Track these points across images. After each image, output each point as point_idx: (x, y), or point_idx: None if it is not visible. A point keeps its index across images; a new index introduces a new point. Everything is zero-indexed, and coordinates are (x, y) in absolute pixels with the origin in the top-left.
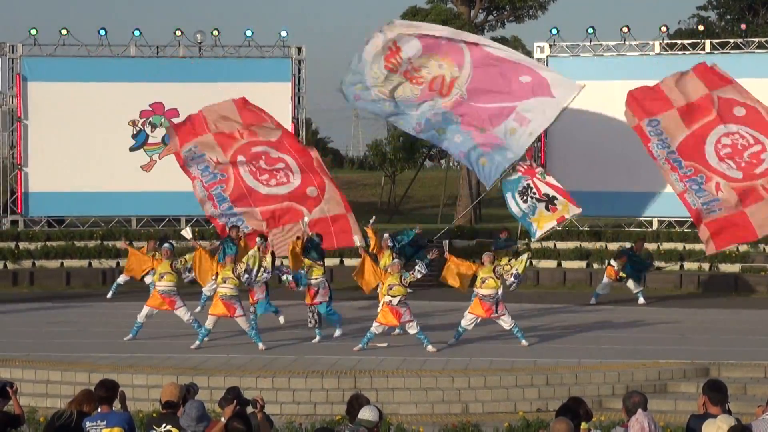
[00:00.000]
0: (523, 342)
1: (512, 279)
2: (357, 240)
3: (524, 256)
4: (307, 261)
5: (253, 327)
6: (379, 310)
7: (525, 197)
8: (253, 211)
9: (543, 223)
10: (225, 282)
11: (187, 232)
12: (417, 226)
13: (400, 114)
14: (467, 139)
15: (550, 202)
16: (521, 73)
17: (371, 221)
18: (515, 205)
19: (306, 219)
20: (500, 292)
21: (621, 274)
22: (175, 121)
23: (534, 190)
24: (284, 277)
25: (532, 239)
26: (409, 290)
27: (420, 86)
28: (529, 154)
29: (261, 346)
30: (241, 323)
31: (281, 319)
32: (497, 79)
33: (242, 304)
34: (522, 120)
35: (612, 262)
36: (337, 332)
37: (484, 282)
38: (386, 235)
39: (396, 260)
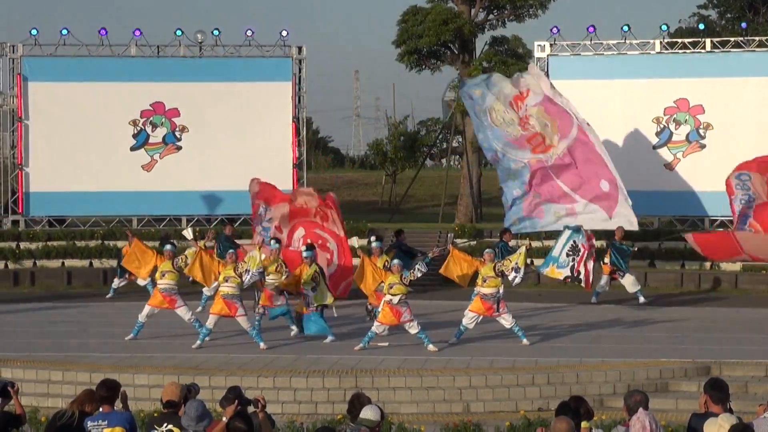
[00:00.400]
0: (524, 341)
1: (513, 273)
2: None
3: (521, 249)
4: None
5: (254, 327)
6: (379, 309)
7: (570, 253)
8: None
9: (554, 272)
10: (227, 281)
11: (188, 233)
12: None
13: (493, 139)
14: (520, 199)
15: (575, 278)
16: (604, 177)
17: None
18: (560, 246)
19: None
20: (501, 290)
21: (610, 266)
22: None
23: (578, 259)
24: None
25: (540, 270)
26: (409, 289)
27: (524, 131)
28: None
29: (262, 345)
30: (242, 322)
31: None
32: (583, 169)
33: (243, 303)
34: (572, 212)
35: (606, 259)
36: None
37: (485, 281)
38: (395, 262)
39: (396, 261)
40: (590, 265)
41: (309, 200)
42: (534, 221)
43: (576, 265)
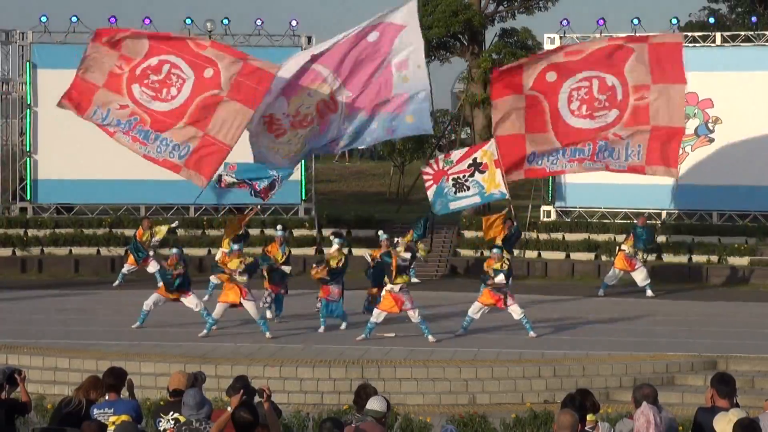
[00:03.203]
0: (531, 333)
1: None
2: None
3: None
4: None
5: (261, 315)
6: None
7: (461, 187)
8: (177, 127)
9: (495, 181)
10: (240, 274)
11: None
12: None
13: (316, 148)
14: (382, 119)
15: (476, 168)
16: (367, 36)
17: (381, 237)
18: (467, 200)
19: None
20: (510, 283)
21: (639, 256)
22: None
23: (458, 178)
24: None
25: (507, 198)
26: (415, 280)
27: (312, 124)
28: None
29: (268, 334)
30: (250, 309)
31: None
32: (358, 58)
33: (251, 291)
34: (402, 64)
35: (623, 246)
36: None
37: (495, 275)
38: (382, 233)
39: (383, 235)
40: (458, 154)
41: (98, 68)
42: (414, 99)
43: (466, 175)
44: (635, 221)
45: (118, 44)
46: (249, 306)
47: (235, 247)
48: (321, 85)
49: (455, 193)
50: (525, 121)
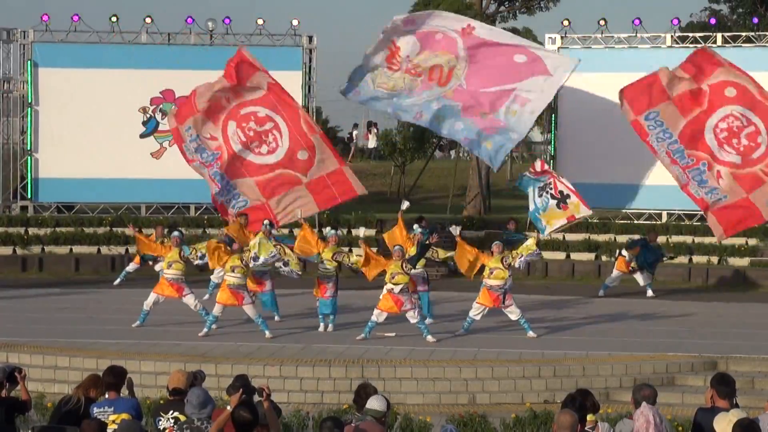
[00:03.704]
0: (530, 333)
1: (520, 263)
2: (360, 190)
3: (530, 242)
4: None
5: (260, 315)
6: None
7: (542, 192)
8: (247, 182)
9: (553, 220)
10: (233, 271)
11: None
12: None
13: (400, 106)
14: (469, 126)
15: (562, 200)
16: (516, 53)
17: (403, 206)
18: (532, 200)
19: (299, 212)
20: (509, 283)
21: (633, 265)
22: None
23: (552, 187)
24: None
25: (542, 235)
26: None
27: (419, 77)
28: (543, 162)
29: (268, 334)
30: (249, 311)
31: (277, 318)
32: (493, 63)
33: (249, 292)
34: (522, 100)
35: (624, 252)
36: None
37: (492, 273)
38: (396, 248)
39: (397, 247)
40: (567, 183)
41: (208, 96)
42: (504, 132)
43: (554, 192)
44: (647, 236)
45: (241, 81)
46: (248, 308)
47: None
48: (449, 56)
49: (540, 190)
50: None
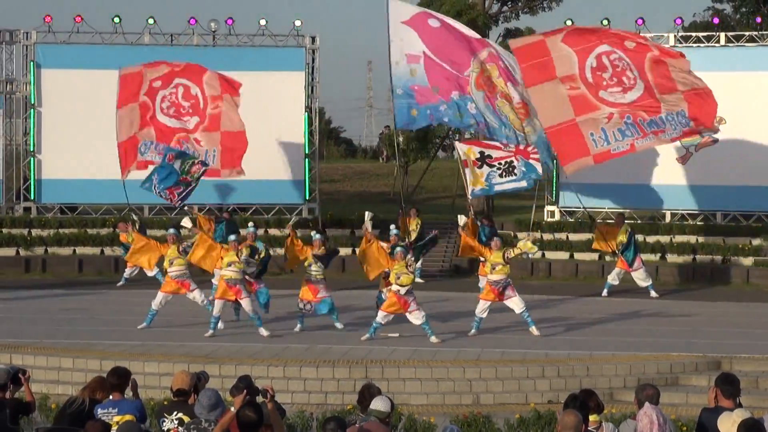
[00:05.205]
0: (533, 328)
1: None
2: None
3: (530, 243)
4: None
5: (257, 312)
6: (384, 297)
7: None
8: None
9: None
10: (230, 266)
11: (186, 222)
12: (434, 231)
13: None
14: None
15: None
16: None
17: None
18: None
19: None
20: (509, 279)
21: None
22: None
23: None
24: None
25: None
26: (420, 280)
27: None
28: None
29: (263, 331)
30: (246, 306)
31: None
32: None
33: (247, 289)
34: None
35: (624, 252)
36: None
37: (494, 268)
38: (398, 249)
39: (399, 248)
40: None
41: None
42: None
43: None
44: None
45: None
46: (245, 302)
47: (232, 237)
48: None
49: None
50: (571, 105)
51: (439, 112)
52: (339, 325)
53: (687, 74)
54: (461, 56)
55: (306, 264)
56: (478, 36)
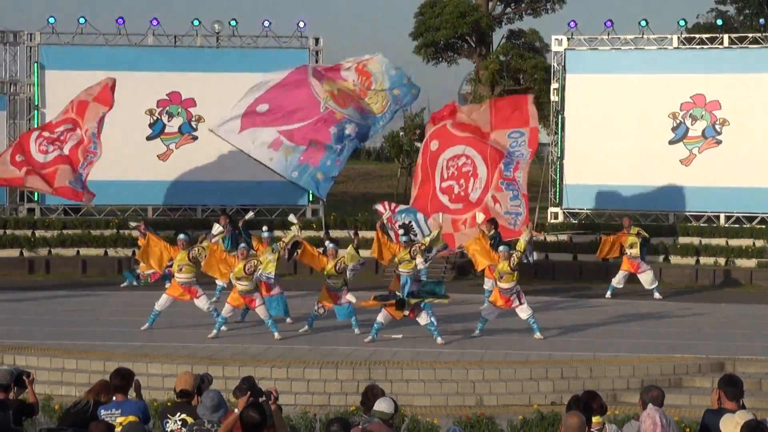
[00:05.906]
0: (537, 334)
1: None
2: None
3: (521, 242)
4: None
5: (270, 316)
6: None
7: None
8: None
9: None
10: (239, 280)
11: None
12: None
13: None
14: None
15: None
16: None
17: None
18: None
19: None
20: (518, 286)
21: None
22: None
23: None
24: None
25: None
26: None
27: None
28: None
29: (277, 335)
30: (260, 312)
31: (288, 320)
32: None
33: (260, 294)
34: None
35: (628, 251)
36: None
37: (502, 277)
38: (501, 248)
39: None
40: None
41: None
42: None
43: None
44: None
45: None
46: (259, 310)
47: (242, 245)
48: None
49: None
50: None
51: (335, 152)
52: (357, 331)
53: (479, 114)
54: (304, 101)
55: (325, 273)
56: (293, 69)
